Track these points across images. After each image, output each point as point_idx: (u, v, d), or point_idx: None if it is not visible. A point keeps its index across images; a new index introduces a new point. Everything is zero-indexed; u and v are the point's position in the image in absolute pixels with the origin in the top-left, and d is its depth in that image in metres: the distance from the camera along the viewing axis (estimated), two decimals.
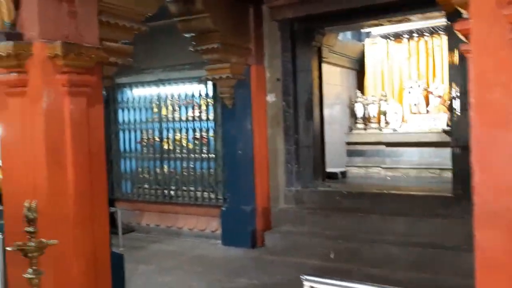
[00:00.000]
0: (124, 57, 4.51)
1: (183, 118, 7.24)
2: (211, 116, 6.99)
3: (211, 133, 7.04)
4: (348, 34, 9.45)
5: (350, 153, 9.34)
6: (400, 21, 7.67)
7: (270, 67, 6.56)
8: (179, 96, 7.23)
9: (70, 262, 3.77)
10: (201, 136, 7.11)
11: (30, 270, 2.89)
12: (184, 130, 7.29)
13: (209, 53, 5.97)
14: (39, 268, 2.90)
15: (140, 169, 7.85)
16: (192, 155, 7.25)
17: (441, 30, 8.71)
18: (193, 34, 5.98)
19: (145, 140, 7.79)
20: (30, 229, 2.88)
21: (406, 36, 9.33)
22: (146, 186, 7.69)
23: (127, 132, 7.84)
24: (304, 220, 6.03)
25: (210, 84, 6.87)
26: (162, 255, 6.20)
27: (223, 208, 6.62)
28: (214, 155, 6.96)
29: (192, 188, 7.18)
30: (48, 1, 3.63)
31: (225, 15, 5.88)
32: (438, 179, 7.88)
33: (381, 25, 7.83)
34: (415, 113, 9.25)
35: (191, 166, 7.25)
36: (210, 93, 6.93)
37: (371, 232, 5.54)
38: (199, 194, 7.06)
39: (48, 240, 2.98)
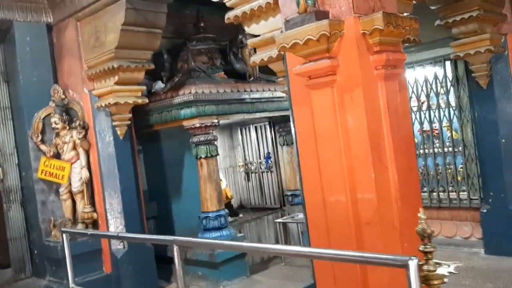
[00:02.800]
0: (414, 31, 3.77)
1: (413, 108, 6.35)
2: (450, 103, 5.98)
3: (447, 122, 6.03)
4: None
5: None
6: None
7: None
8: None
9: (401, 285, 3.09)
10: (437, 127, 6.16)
11: None
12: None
13: (462, 24, 5.03)
14: None
15: None
16: (421, 151, 6.31)
17: None
18: (439, 6, 5.10)
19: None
20: (428, 247, 2.20)
21: None
22: None
23: None
24: None
25: (447, 65, 5.90)
26: None
27: (483, 210, 5.55)
28: (456, 148, 5.94)
29: (429, 189, 6.23)
30: None
31: None
32: None
33: None
34: None
35: (423, 163, 6.30)
36: (449, 75, 5.93)
37: None
38: (442, 195, 6.08)
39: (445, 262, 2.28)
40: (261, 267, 6.17)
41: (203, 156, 5.76)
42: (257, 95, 6.17)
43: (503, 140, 5.29)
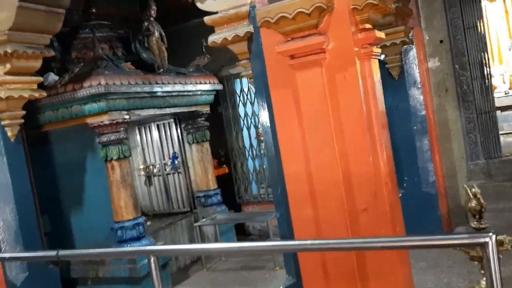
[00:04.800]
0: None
1: None
2: None
3: None
4: None
5: None
6: None
7: (428, 29, 5.81)
8: None
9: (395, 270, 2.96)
10: None
11: None
12: None
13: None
14: None
15: (264, 167, 7.04)
16: None
17: None
18: None
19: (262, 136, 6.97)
20: (483, 224, 2.06)
21: None
22: None
23: (245, 129, 7.12)
24: (510, 195, 5.30)
25: None
26: None
27: (399, 194, 5.81)
28: None
29: None
30: None
31: None
32: None
33: None
34: None
35: None
36: None
37: None
38: None
39: None
40: (182, 276, 5.65)
41: (114, 157, 5.04)
42: (168, 88, 5.63)
43: (415, 127, 5.61)
